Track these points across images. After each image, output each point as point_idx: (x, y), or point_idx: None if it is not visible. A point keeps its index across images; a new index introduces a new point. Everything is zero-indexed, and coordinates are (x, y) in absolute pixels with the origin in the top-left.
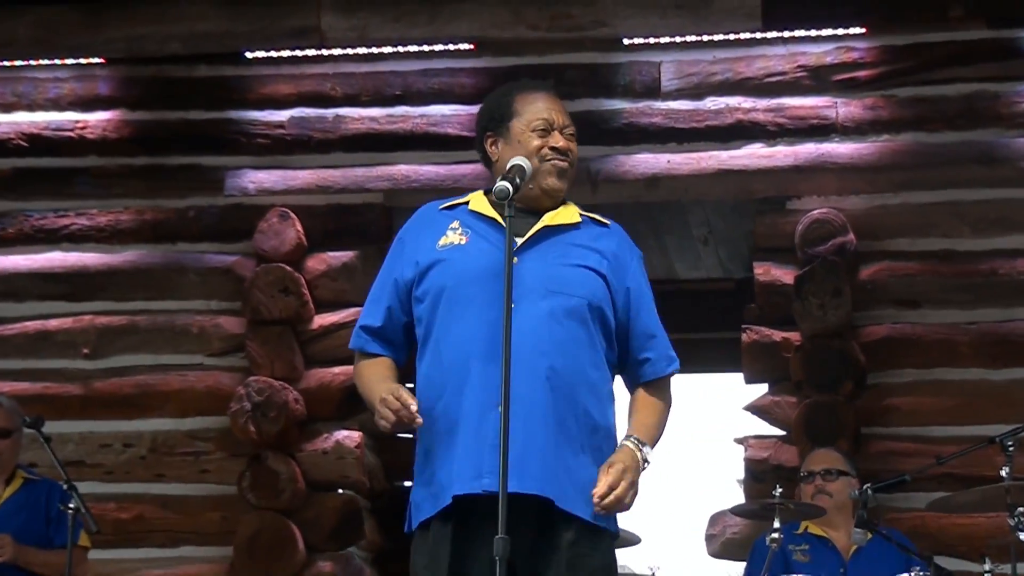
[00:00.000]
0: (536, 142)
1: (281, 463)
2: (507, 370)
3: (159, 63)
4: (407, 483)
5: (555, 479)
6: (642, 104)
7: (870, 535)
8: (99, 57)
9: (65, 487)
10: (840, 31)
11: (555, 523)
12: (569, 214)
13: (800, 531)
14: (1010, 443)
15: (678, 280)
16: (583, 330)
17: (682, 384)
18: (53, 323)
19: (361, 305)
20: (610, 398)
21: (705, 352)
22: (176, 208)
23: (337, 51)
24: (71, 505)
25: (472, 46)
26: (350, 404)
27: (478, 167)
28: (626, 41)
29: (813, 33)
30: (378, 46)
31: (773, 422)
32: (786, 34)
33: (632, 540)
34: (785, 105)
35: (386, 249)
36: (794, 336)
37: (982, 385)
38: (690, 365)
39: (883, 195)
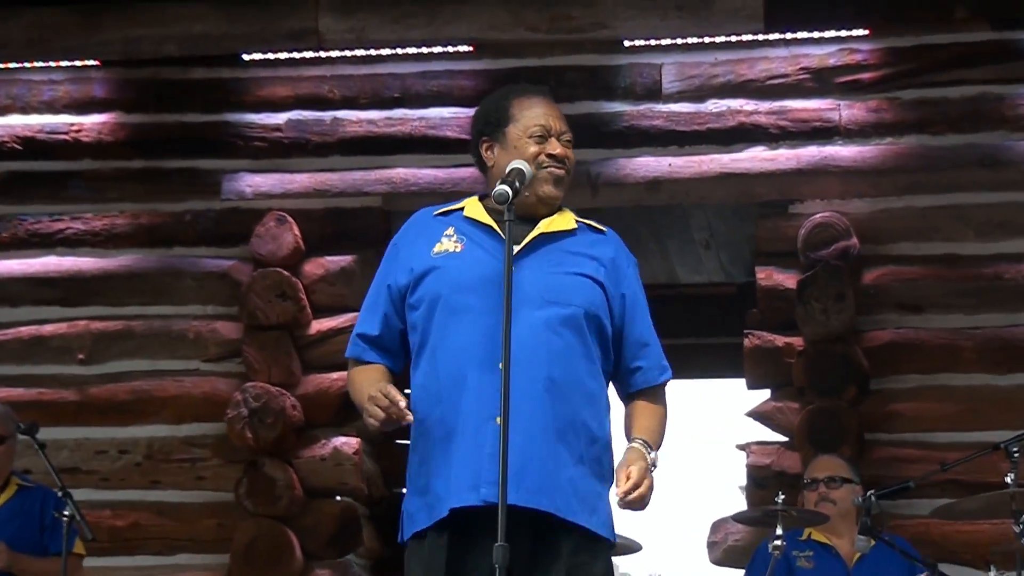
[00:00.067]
0: (533, 148)
1: (278, 470)
2: (506, 379)
3: (155, 65)
4: (406, 490)
5: (556, 490)
6: (643, 107)
7: (874, 542)
8: (94, 59)
9: (60, 494)
10: (843, 33)
11: (555, 532)
12: (565, 221)
13: (803, 538)
14: (1015, 449)
15: (679, 284)
16: (580, 340)
17: (683, 390)
18: (48, 328)
19: (359, 310)
20: (607, 408)
21: (706, 357)
22: (172, 212)
23: (335, 53)
24: (66, 512)
25: (471, 48)
26: (348, 410)
27: (478, 171)
28: (627, 43)
29: (816, 35)
30: (376, 48)
31: (775, 428)
32: (788, 36)
33: (633, 547)
34: (787, 108)
35: (384, 253)
36: (796, 341)
37: (986, 390)
38: (691, 371)
39: (886, 198)
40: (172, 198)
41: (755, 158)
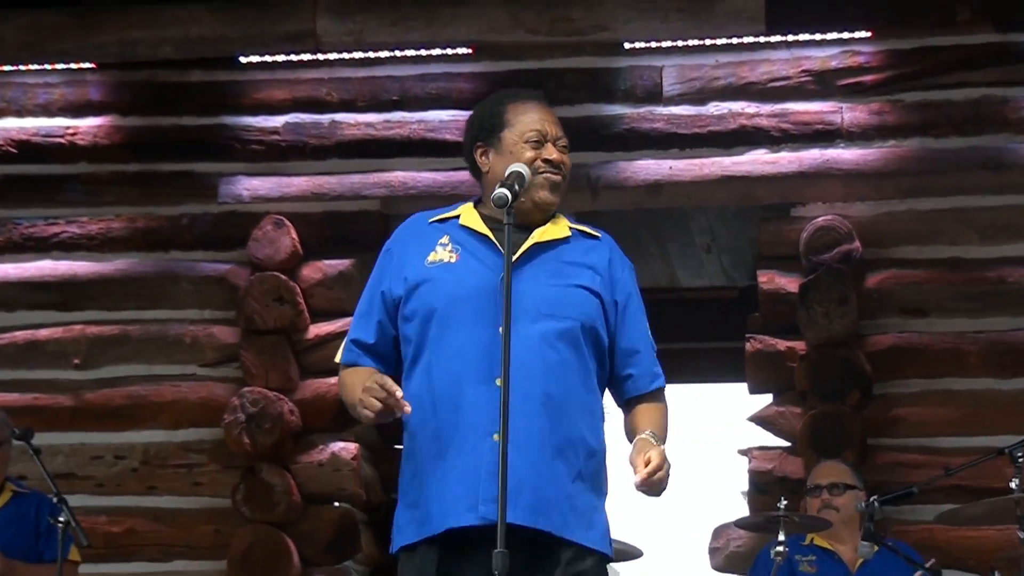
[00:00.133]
0: (529, 153)
1: (276, 475)
2: (506, 394)
3: (151, 68)
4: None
5: (552, 508)
6: (643, 109)
7: (877, 548)
8: (90, 62)
9: (55, 500)
10: (845, 35)
11: (550, 546)
12: (558, 229)
13: (806, 543)
14: (1020, 454)
15: (680, 288)
16: (576, 353)
17: (684, 394)
18: (43, 333)
19: None
20: (602, 418)
21: (708, 362)
22: (169, 216)
23: (333, 56)
24: (61, 518)
25: (470, 50)
26: (346, 415)
27: None
28: (627, 45)
29: (818, 37)
30: (375, 50)
31: (778, 433)
32: (790, 38)
33: (634, 553)
34: (789, 110)
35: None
36: (799, 345)
37: (991, 395)
38: (692, 375)
39: (889, 202)
40: (168, 201)
41: (757, 161)
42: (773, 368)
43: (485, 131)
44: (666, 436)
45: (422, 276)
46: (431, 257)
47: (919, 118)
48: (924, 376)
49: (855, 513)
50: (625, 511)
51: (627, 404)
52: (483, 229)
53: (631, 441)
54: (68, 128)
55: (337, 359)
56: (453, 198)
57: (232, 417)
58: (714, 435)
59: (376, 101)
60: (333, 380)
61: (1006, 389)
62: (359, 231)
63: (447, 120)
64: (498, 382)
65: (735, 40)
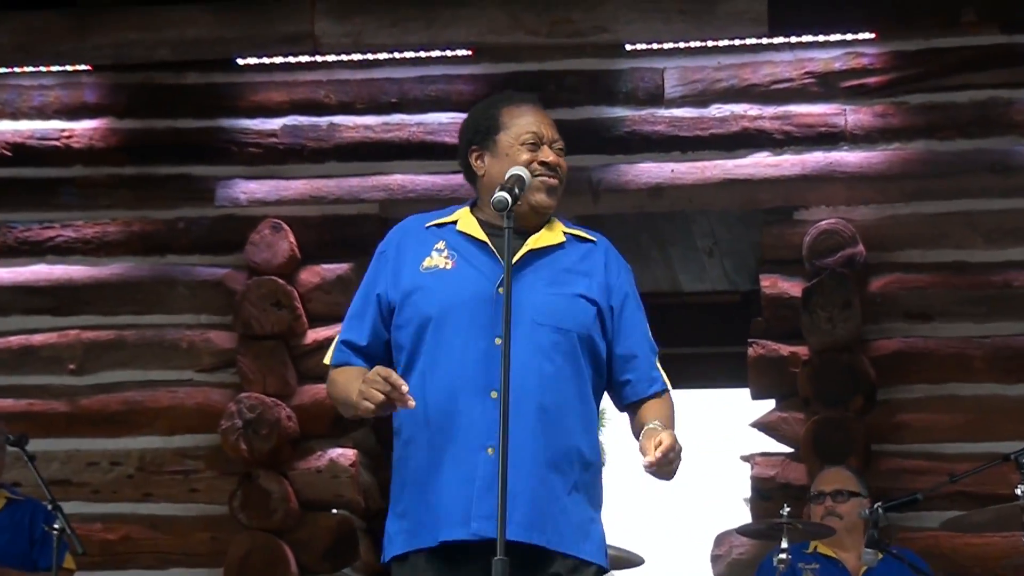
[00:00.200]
0: (525, 156)
1: (273, 482)
2: (505, 407)
3: (148, 70)
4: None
5: (547, 522)
6: (645, 112)
7: (881, 555)
8: (86, 64)
9: (50, 507)
10: (849, 36)
11: (548, 558)
12: (553, 234)
13: (809, 551)
14: None
15: (682, 293)
16: (572, 364)
17: (686, 399)
18: (38, 338)
19: None
20: (596, 427)
21: (710, 367)
22: (165, 219)
23: (331, 58)
24: (56, 526)
25: (470, 52)
26: (344, 421)
27: None
28: (628, 47)
29: (821, 38)
30: (373, 52)
31: (780, 439)
32: (793, 40)
33: (635, 561)
34: (792, 112)
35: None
36: (802, 350)
37: (996, 400)
38: (694, 381)
39: (893, 205)
40: (165, 205)
41: (759, 164)
42: (776, 373)
43: (480, 134)
44: (674, 427)
45: (416, 283)
46: (426, 263)
47: (923, 120)
48: (929, 381)
49: (859, 520)
50: (626, 518)
51: (628, 408)
52: (481, 235)
53: (638, 439)
54: (63, 131)
55: (326, 360)
56: (452, 201)
57: (229, 423)
58: (716, 441)
59: (375, 103)
60: None
61: (1012, 394)
62: (358, 235)
63: (446, 123)
64: (494, 394)
65: (737, 42)
